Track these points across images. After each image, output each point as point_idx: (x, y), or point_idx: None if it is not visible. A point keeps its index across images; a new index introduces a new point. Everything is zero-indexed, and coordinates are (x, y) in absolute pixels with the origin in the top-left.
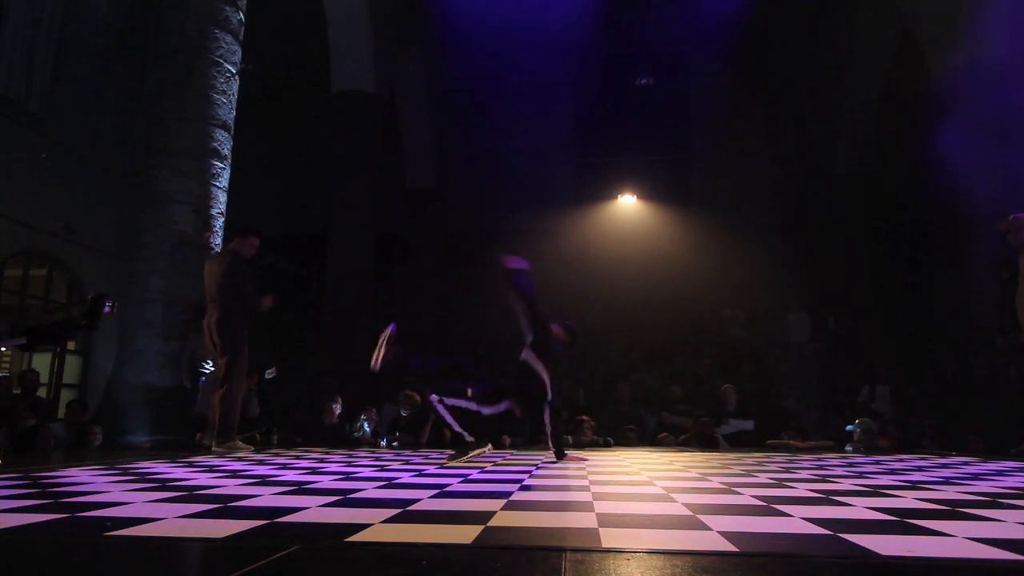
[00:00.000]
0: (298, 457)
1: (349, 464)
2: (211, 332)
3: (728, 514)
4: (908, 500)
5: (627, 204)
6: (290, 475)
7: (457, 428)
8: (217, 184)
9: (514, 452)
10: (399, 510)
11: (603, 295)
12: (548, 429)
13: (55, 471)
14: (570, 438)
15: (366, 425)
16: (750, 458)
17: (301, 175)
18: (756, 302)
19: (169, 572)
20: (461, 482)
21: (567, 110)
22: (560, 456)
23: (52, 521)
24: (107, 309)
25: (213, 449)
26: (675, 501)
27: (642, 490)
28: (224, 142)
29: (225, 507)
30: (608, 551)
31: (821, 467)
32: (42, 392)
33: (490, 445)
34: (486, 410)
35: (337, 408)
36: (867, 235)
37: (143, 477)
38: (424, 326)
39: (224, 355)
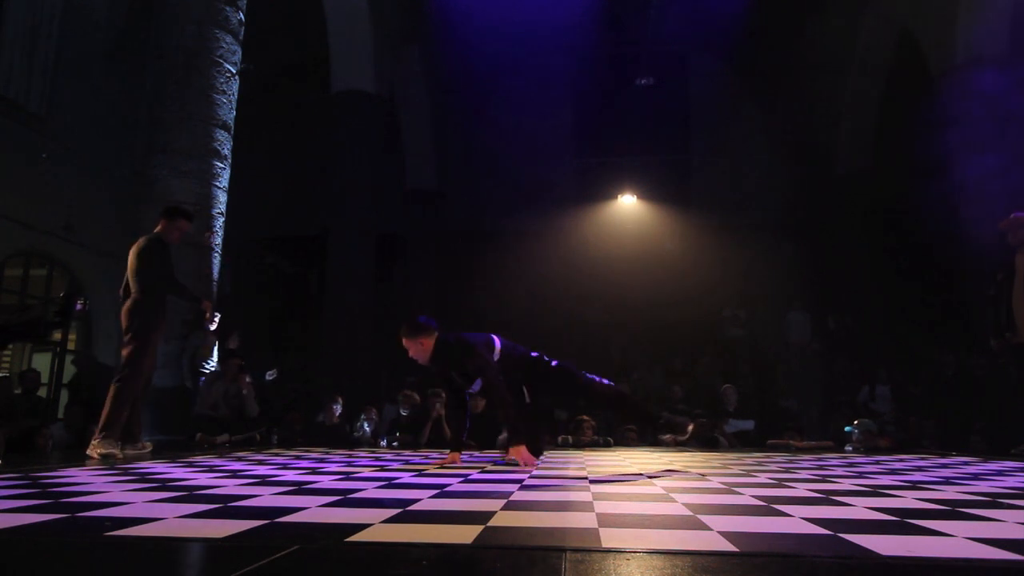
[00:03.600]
0: (298, 457)
1: (349, 464)
2: (123, 317)
3: (728, 514)
4: (908, 500)
5: (627, 204)
6: (290, 475)
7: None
8: (217, 184)
9: None
10: (399, 510)
11: (603, 295)
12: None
13: (55, 471)
14: (570, 438)
15: (366, 425)
16: (750, 458)
17: (301, 175)
18: (756, 302)
19: (169, 572)
20: (461, 482)
21: (567, 110)
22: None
23: (52, 521)
24: (79, 307)
25: (94, 452)
26: (675, 501)
27: (642, 490)
28: (224, 142)
29: (225, 507)
30: (608, 551)
31: (821, 467)
32: (42, 392)
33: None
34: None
35: (337, 408)
36: (867, 235)
37: (143, 477)
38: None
39: (129, 342)
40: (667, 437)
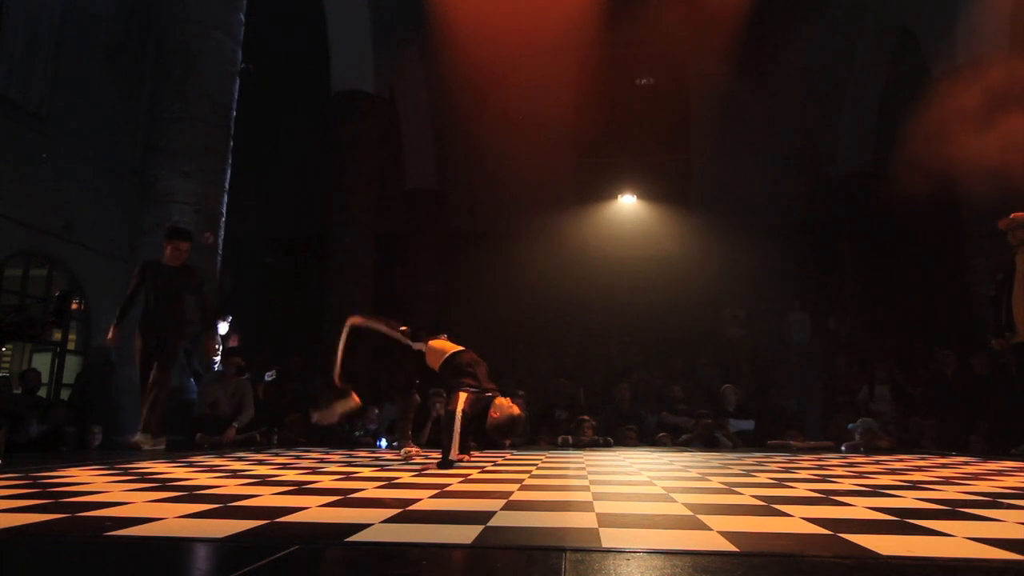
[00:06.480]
0: (298, 457)
1: (349, 464)
2: None
3: (728, 514)
4: (908, 500)
5: (627, 204)
6: (290, 475)
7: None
8: (217, 184)
9: (514, 452)
10: (399, 510)
11: (603, 295)
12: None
13: (55, 471)
14: (570, 438)
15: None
16: (750, 458)
17: (301, 175)
18: (756, 302)
19: (169, 572)
20: (461, 482)
21: (567, 110)
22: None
23: (52, 521)
24: (74, 306)
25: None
26: (675, 501)
27: (642, 490)
28: (224, 142)
29: (225, 507)
30: (608, 551)
31: (821, 467)
32: (42, 392)
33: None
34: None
35: None
36: (867, 235)
37: (143, 477)
38: (423, 326)
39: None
40: (662, 436)
